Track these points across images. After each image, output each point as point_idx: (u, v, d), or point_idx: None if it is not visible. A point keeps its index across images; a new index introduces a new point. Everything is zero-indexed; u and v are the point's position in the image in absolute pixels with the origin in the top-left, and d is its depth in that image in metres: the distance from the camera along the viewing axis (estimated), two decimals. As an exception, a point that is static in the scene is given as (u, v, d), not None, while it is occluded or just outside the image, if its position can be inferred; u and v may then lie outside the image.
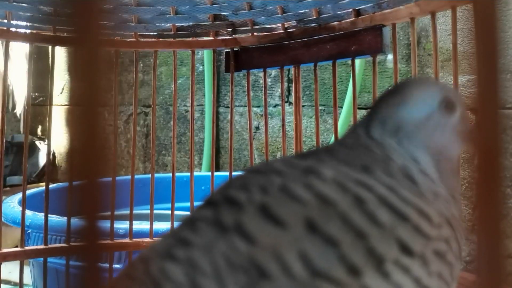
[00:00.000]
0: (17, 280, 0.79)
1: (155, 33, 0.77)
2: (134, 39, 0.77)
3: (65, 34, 0.75)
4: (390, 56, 1.27)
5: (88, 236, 0.16)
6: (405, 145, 0.38)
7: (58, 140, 1.95)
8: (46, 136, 2.08)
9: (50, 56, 0.76)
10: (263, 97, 0.78)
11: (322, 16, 0.69)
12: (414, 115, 0.39)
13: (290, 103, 1.48)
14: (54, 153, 2.01)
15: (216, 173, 0.81)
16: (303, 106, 0.75)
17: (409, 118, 0.39)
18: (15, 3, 0.69)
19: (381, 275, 0.31)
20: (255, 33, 0.76)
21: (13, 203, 1.03)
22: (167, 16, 0.74)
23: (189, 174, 0.80)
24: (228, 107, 1.64)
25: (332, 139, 1.38)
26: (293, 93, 0.80)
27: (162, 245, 0.34)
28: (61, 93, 1.98)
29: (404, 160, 0.37)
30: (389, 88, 0.42)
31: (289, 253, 0.30)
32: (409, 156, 0.38)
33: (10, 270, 1.31)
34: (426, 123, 0.39)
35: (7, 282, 1.36)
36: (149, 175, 0.78)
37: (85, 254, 0.16)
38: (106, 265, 0.73)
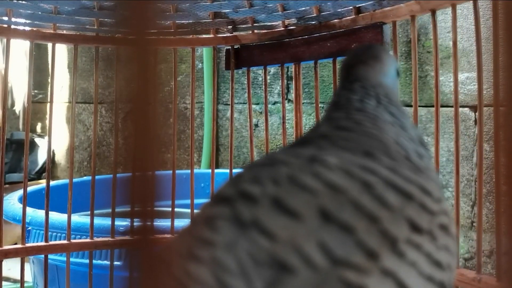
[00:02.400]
0: (17, 277, 0.79)
1: (155, 31, 0.77)
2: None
3: (65, 31, 0.75)
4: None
5: (140, 232, 0.17)
6: (395, 115, 0.41)
7: (58, 137, 1.95)
8: (45, 133, 2.08)
9: (50, 53, 0.76)
10: (263, 94, 0.79)
11: (323, 13, 0.69)
12: (389, 81, 0.44)
13: (289, 101, 1.48)
14: (53, 150, 2.01)
15: (215, 171, 0.81)
16: (302, 103, 0.74)
17: (389, 84, 0.44)
18: (15, 1, 0.69)
19: (397, 256, 0.31)
20: (256, 31, 0.76)
21: (13, 200, 1.03)
22: (168, 13, 0.74)
23: (188, 171, 0.80)
24: (227, 104, 1.64)
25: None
26: (292, 91, 0.80)
27: (181, 245, 0.33)
28: (60, 90, 1.98)
29: (396, 133, 0.39)
30: (364, 50, 0.46)
31: (308, 244, 0.30)
32: (398, 126, 0.40)
33: (10, 267, 1.31)
34: (394, 88, 0.45)
35: (7, 279, 1.36)
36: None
37: (139, 249, 0.17)
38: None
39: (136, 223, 0.18)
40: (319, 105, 0.75)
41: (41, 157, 2.01)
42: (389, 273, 0.31)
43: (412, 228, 0.32)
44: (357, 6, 0.66)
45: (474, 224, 1.18)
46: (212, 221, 0.33)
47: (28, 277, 0.93)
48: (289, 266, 0.30)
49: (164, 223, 0.81)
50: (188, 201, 0.78)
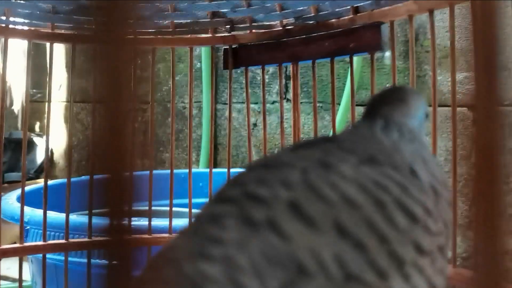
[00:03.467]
0: (16, 276, 0.79)
1: (153, 30, 0.77)
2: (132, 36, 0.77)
3: (63, 31, 0.75)
4: (387, 53, 1.27)
5: (115, 232, 0.17)
6: (419, 149, 0.40)
7: (56, 136, 1.95)
8: (43, 132, 2.08)
9: (48, 53, 0.76)
10: (261, 94, 0.78)
11: (321, 13, 0.69)
12: (415, 123, 0.43)
13: (288, 100, 1.48)
14: (52, 150, 2.01)
15: (214, 170, 0.81)
16: (300, 103, 0.74)
17: (414, 126, 0.43)
18: (13, 0, 0.69)
19: (403, 278, 0.31)
20: (254, 30, 0.76)
21: (11, 200, 1.03)
22: (166, 13, 0.74)
23: (186, 170, 0.80)
24: (226, 104, 1.64)
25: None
26: (291, 90, 0.80)
27: (189, 244, 0.32)
28: (59, 89, 1.98)
29: (413, 158, 0.38)
30: (391, 91, 0.45)
31: (326, 254, 0.30)
32: (420, 158, 0.39)
33: (9, 267, 1.31)
34: (420, 132, 0.43)
35: (6, 278, 1.36)
36: (147, 172, 0.78)
37: (113, 250, 0.17)
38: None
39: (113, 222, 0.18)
40: (317, 105, 0.75)
41: (40, 156, 2.01)
42: None
43: (417, 250, 0.32)
44: (355, 5, 0.66)
45: (472, 223, 1.17)
46: (219, 219, 0.32)
47: (26, 276, 0.93)
48: (307, 270, 0.29)
49: (162, 222, 0.81)
50: (186, 201, 0.78)
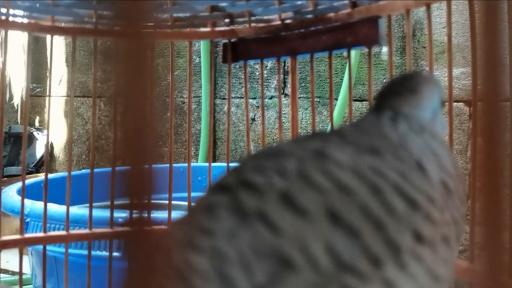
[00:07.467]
0: (16, 269, 0.79)
1: (152, 24, 0.78)
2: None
3: (63, 24, 0.76)
4: (384, 49, 1.28)
5: (137, 223, 0.17)
6: (429, 142, 0.38)
7: (56, 130, 1.95)
8: (43, 126, 2.08)
9: (49, 46, 0.76)
10: (260, 88, 0.79)
11: (319, 7, 0.70)
12: (427, 114, 0.41)
13: (286, 95, 1.49)
14: (52, 144, 2.01)
15: (212, 164, 0.82)
16: (298, 98, 0.75)
17: (425, 117, 0.41)
18: (14, -7, 0.69)
19: (399, 266, 0.31)
20: (252, 24, 0.77)
21: (11, 193, 1.03)
22: (164, 7, 0.74)
23: (185, 165, 0.81)
24: (224, 98, 1.65)
25: (328, 130, 1.39)
26: (289, 85, 0.80)
27: (181, 234, 0.32)
28: (59, 84, 1.98)
29: (421, 152, 0.37)
30: (401, 81, 0.43)
31: (315, 245, 0.30)
32: (430, 152, 0.37)
33: (8, 260, 1.32)
34: (433, 121, 0.42)
35: (6, 271, 1.37)
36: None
37: (135, 241, 0.17)
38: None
39: (134, 214, 0.18)
40: (315, 100, 0.75)
41: (39, 150, 2.02)
42: (389, 283, 0.30)
43: (416, 238, 0.32)
44: (352, 0, 0.67)
45: (468, 217, 1.18)
46: (212, 209, 0.32)
47: (26, 269, 0.94)
48: (292, 263, 0.29)
49: (162, 214, 0.82)
50: (185, 195, 0.79)
